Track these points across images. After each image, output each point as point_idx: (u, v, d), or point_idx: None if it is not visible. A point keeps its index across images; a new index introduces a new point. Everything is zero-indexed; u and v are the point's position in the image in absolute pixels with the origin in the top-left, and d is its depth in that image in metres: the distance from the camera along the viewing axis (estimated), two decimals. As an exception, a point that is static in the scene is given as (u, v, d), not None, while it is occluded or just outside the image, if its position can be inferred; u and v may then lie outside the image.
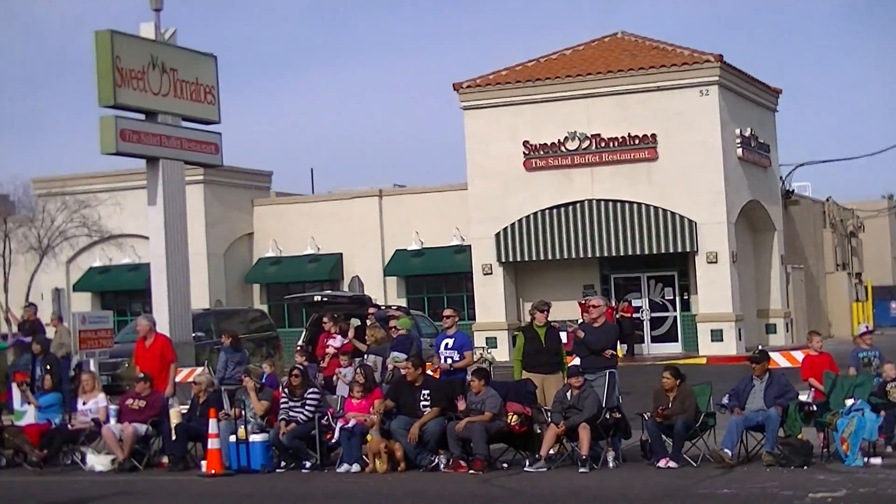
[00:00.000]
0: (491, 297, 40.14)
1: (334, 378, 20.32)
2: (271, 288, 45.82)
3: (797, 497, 12.90)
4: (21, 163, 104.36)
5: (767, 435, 15.48)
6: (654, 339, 39.94)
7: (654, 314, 40.07)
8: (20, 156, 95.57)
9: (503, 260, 39.74)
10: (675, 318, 39.87)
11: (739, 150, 38.67)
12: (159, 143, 23.39)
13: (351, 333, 22.00)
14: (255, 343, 31.97)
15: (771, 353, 17.66)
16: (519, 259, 39.73)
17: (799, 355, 17.94)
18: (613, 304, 36.25)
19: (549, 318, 17.53)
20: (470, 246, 40.81)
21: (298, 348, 27.08)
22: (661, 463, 15.56)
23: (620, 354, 21.69)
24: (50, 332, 27.62)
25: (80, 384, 19.58)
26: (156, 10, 23.87)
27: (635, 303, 39.34)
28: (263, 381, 18.76)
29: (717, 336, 37.67)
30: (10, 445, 20.25)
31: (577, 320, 23.57)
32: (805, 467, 14.88)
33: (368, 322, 22.99)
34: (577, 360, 17.32)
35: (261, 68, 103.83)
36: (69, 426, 19.22)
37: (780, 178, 44.26)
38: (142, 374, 18.92)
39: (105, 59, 22.38)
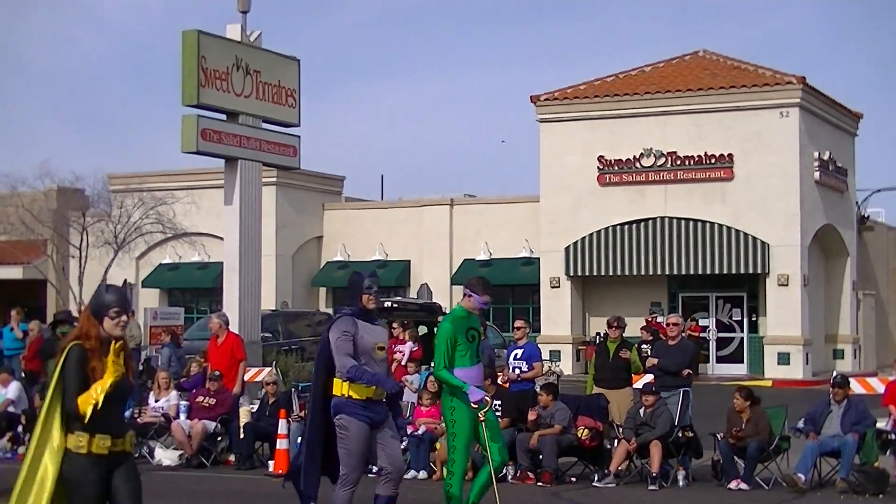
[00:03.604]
0: (557, 311, 40.06)
1: (401, 384, 20.30)
2: (338, 292, 45.95)
3: (874, 525, 12.74)
4: (99, 158, 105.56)
5: (843, 461, 15.26)
6: (720, 360, 39.67)
7: (720, 334, 39.80)
8: (98, 151, 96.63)
9: (571, 274, 39.69)
10: (742, 339, 39.59)
11: (817, 174, 38.31)
12: (239, 143, 23.56)
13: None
14: (322, 346, 32.07)
15: (846, 379, 17.42)
16: (587, 273, 39.65)
17: (875, 382, 17.73)
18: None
19: (622, 334, 17.48)
20: (539, 258, 40.78)
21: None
22: (733, 484, 15.41)
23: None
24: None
25: (157, 382, 19.71)
26: (243, 11, 24.05)
27: (702, 322, 39.11)
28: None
29: (783, 359, 37.35)
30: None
31: (643, 342, 23.45)
32: (880, 496, 14.63)
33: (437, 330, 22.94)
34: (646, 378, 17.25)
35: (336, 74, 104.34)
36: (137, 420, 19.34)
37: (856, 203, 43.84)
38: (214, 372, 19.03)
39: (191, 59, 22.59)
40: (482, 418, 11.19)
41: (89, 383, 7.57)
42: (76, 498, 7.62)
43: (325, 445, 10.68)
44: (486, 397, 11.25)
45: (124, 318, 7.83)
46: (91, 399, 7.51)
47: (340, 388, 10.43)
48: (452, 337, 11.26)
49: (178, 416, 18.63)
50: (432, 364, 11.52)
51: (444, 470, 11.74)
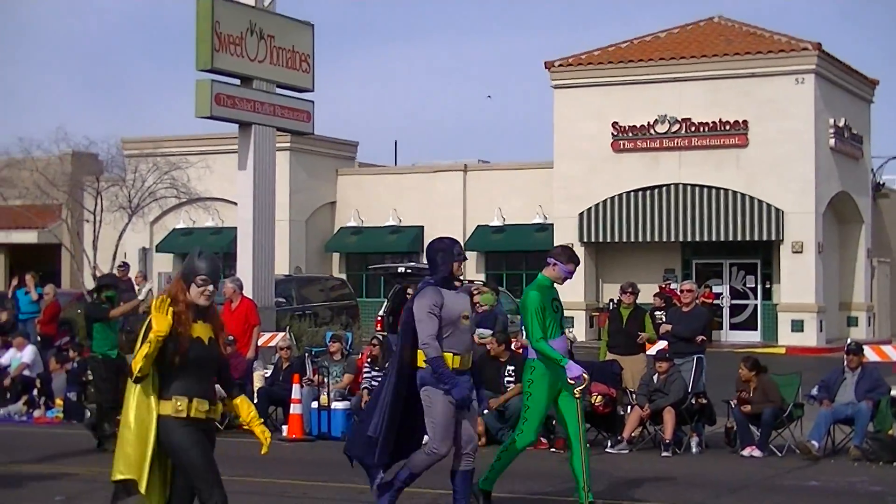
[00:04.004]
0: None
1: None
2: (351, 257, 46.02)
3: (889, 493, 12.72)
4: (112, 123, 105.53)
5: (856, 429, 15.28)
6: (733, 327, 39.65)
7: (734, 301, 39.77)
8: (112, 116, 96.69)
9: (585, 240, 39.64)
10: (756, 306, 39.56)
11: (832, 141, 38.20)
12: (253, 108, 23.53)
13: None
14: (335, 311, 32.16)
15: (860, 347, 17.40)
16: (601, 240, 39.62)
17: (889, 349, 17.70)
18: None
19: (636, 300, 17.48)
20: (552, 224, 40.75)
21: (379, 318, 27.35)
22: (746, 451, 15.45)
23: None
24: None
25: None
26: (257, -24, 24.05)
27: (716, 289, 39.08)
28: (349, 347, 18.86)
29: (797, 326, 37.32)
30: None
31: (656, 309, 23.49)
32: (894, 463, 14.65)
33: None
34: (660, 345, 17.27)
35: (350, 39, 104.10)
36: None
37: (871, 170, 43.72)
38: (229, 337, 19.04)
39: (205, 24, 22.55)
40: (578, 395, 10.86)
41: (168, 346, 7.49)
42: (185, 463, 7.54)
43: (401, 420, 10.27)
44: (585, 374, 10.80)
45: (211, 287, 7.68)
46: (139, 357, 7.40)
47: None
48: (541, 306, 10.84)
49: (192, 381, 18.67)
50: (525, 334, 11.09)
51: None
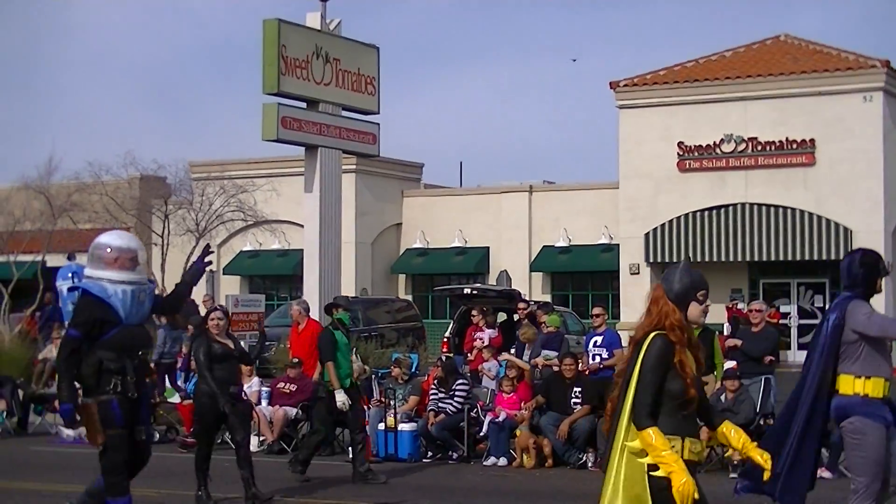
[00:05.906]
0: (637, 297, 39.76)
1: (479, 372, 20.36)
2: (416, 279, 46.10)
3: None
4: (180, 147, 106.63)
5: (928, 451, 15.04)
6: (801, 347, 39.24)
7: (802, 321, 39.42)
8: (180, 140, 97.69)
9: (651, 260, 39.51)
10: (825, 326, 39.09)
11: (902, 159, 37.87)
12: (319, 131, 23.68)
13: None
14: (401, 333, 32.19)
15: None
16: (667, 260, 39.41)
17: (961, 371, 17.45)
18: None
19: (704, 321, 17.31)
20: (618, 245, 40.65)
21: (445, 340, 27.37)
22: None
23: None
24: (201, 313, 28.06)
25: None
26: (322, 0, 24.23)
27: (784, 309, 38.77)
28: (413, 370, 18.88)
29: (866, 347, 36.81)
30: (163, 422, 20.71)
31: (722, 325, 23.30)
32: (967, 486, 14.44)
33: (517, 317, 22.97)
34: (728, 364, 17.12)
35: (415, 60, 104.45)
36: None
37: (942, 187, 43.20)
38: (294, 359, 19.16)
39: (271, 48, 22.75)
40: None
41: (663, 380, 6.59)
42: None
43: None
44: None
45: (708, 302, 6.83)
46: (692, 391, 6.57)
47: (852, 385, 8.78)
48: None
49: (259, 403, 18.78)
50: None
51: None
